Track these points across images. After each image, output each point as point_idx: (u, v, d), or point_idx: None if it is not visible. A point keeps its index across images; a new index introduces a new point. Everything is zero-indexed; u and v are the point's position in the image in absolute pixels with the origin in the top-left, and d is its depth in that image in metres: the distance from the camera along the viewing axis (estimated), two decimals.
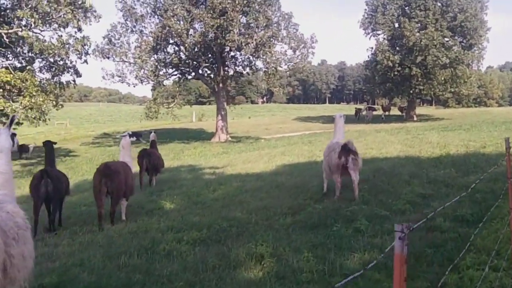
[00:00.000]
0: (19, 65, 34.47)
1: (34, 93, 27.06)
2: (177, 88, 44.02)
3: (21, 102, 27.48)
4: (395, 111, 62.86)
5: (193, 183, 16.06)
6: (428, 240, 7.07)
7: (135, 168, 13.66)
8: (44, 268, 7.10)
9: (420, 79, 52.90)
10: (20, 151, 40.23)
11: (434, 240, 7.05)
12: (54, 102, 32.19)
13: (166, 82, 44.82)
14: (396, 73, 53.23)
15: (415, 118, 54.97)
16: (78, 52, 33.54)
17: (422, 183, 11.33)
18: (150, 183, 16.55)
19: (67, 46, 31.78)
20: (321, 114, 76.07)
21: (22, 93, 27.69)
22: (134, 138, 11.93)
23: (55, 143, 12.53)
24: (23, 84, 26.97)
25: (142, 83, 41.97)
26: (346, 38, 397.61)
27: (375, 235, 7.50)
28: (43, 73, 35.92)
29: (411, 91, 54.74)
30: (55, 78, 35.70)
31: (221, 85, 42.27)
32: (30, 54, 34.31)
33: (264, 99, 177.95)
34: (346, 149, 10.98)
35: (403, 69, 53.02)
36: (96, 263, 7.06)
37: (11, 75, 26.71)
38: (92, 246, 8.36)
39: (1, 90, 27.95)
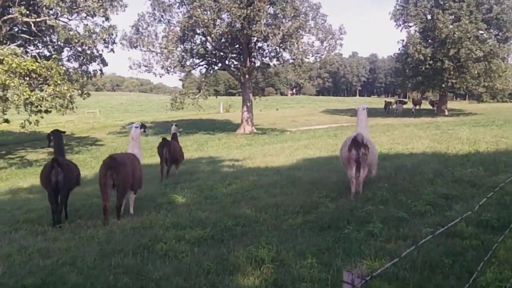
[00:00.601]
0: (48, 54, 34.62)
1: (59, 82, 27.00)
2: (203, 79, 43.72)
3: (46, 91, 27.41)
4: (426, 105, 61.45)
5: (209, 176, 15.63)
6: (446, 247, 6.45)
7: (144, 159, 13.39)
8: (35, 265, 6.74)
9: (452, 73, 51.43)
10: (49, 139, 40.47)
11: (453, 247, 6.43)
12: (79, 91, 32.19)
13: (192, 73, 44.65)
14: (427, 66, 51.79)
15: (446, 113, 53.62)
16: (104, 41, 33.49)
17: (446, 183, 10.67)
18: (168, 174, 16.34)
19: (94, 35, 31.66)
20: (350, 107, 75.01)
21: (48, 81, 27.64)
22: (143, 130, 11.44)
23: (64, 132, 12.24)
24: (48, 73, 26.90)
25: (168, 73, 41.85)
26: (379, 31, 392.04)
27: (389, 239, 6.91)
28: (71, 62, 36.22)
29: (443, 85, 53.21)
30: (83, 67, 35.88)
31: (247, 76, 41.76)
32: (59, 43, 34.43)
33: (294, 91, 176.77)
34: (356, 142, 10.42)
35: (434, 62, 51.57)
36: (89, 262, 6.67)
37: (37, 64, 26.66)
38: (90, 242, 7.97)
39: (28, 78, 27.97)
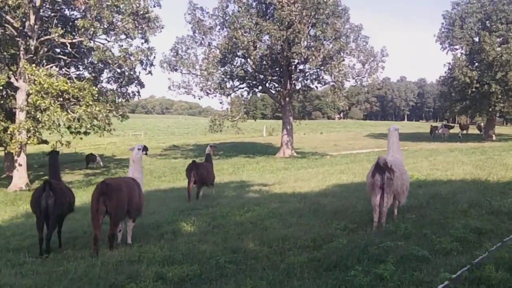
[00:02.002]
0: (88, 75, 34.75)
1: (90, 103, 26.77)
2: (243, 102, 43.16)
3: (77, 112, 27.26)
4: (473, 130, 58.92)
5: (230, 202, 14.68)
6: None
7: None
8: None
9: (500, 96, 48.95)
10: (87, 160, 40.58)
11: None
12: (114, 112, 32.04)
13: (233, 96, 44.11)
14: (474, 89, 49.45)
15: (494, 138, 51.05)
16: (141, 63, 33.36)
17: (481, 215, 9.33)
18: (197, 197, 16.36)
19: (130, 56, 31.50)
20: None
21: (80, 102, 27.52)
22: (145, 152, 10.59)
23: (58, 152, 11.48)
24: (81, 93, 26.74)
25: (208, 95, 41.47)
26: (427, 55, 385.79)
27: (400, 285, 5.74)
28: (111, 84, 36.27)
29: (490, 109, 50.72)
30: (122, 89, 35.86)
31: (287, 99, 40.91)
32: (99, 65, 34.56)
33: (341, 115, 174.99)
34: (379, 166, 9.29)
35: (481, 85, 49.18)
36: None
37: (69, 84, 26.54)
38: (63, 278, 7.09)
39: (61, 99, 27.95)
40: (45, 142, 32.83)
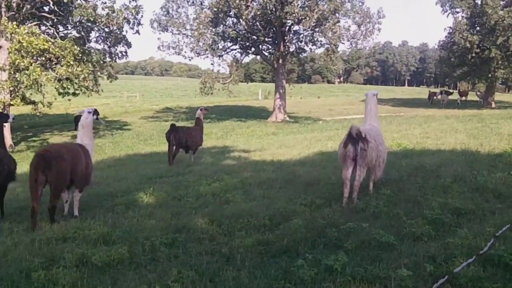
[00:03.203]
0: (78, 35, 33.45)
1: (71, 63, 25.58)
2: (235, 64, 41.86)
3: (57, 72, 26.14)
4: (473, 97, 57.62)
5: (202, 170, 13.82)
6: None
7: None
8: None
9: (500, 62, 47.38)
10: (76, 122, 39.37)
11: None
12: (99, 73, 31.01)
13: (228, 57, 42.73)
14: (474, 55, 47.79)
15: (493, 105, 49.76)
16: (128, 22, 32.07)
17: (463, 192, 8.45)
18: (172, 160, 15.87)
19: (114, 14, 30.17)
20: (396, 97, 71.85)
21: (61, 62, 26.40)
22: (95, 117, 9.58)
23: (6, 116, 10.52)
24: (62, 53, 25.53)
25: (198, 56, 40.17)
26: (429, 19, 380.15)
27: (351, 281, 4.85)
28: (100, 44, 35.04)
29: (490, 75, 49.18)
30: (112, 49, 34.73)
31: (280, 61, 39.51)
32: (88, 24, 33.23)
33: (341, 79, 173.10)
34: (352, 136, 8.38)
35: (482, 51, 47.53)
36: None
37: (49, 43, 25.30)
38: None
39: (43, 59, 26.84)
40: (33, 102, 31.80)
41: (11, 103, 27.92)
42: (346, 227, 6.55)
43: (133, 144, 29.02)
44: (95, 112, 9.76)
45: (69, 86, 30.70)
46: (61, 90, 31.03)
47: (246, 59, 43.97)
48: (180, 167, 14.93)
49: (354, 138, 8.53)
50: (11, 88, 26.67)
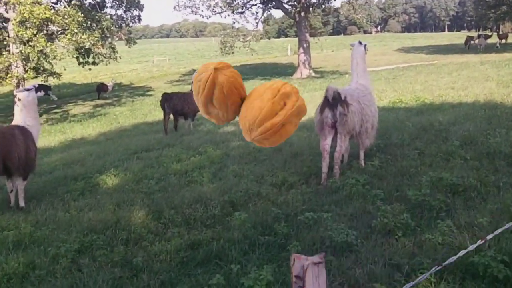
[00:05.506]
0: (92, 2, 32.39)
1: (75, 31, 24.41)
2: (255, 20, 39.97)
3: (61, 41, 25.07)
4: None
5: (192, 141, 12.53)
6: None
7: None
8: None
9: None
10: (98, 90, 38.48)
11: None
12: (110, 39, 29.98)
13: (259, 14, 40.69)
14: None
15: None
16: None
17: (469, 159, 6.94)
18: (176, 128, 15.47)
19: None
20: (432, 44, 68.30)
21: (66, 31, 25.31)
22: (42, 93, 8.32)
23: None
24: (65, 21, 24.36)
25: (214, 14, 38.53)
26: None
27: None
28: (116, 10, 33.99)
29: None
30: (126, 13, 33.73)
31: (302, 13, 37.31)
32: None
33: (378, 28, 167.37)
34: (331, 100, 6.92)
35: None
36: None
37: (51, 12, 24.11)
38: None
39: (48, 29, 25.89)
40: (43, 73, 31.02)
41: (24, 76, 27.17)
42: (303, 217, 5.19)
43: (149, 111, 27.91)
44: (42, 88, 8.48)
45: (85, 56, 29.92)
46: (81, 60, 30.30)
47: (279, 14, 41.68)
48: (173, 138, 13.72)
49: (330, 102, 7.06)
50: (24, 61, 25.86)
